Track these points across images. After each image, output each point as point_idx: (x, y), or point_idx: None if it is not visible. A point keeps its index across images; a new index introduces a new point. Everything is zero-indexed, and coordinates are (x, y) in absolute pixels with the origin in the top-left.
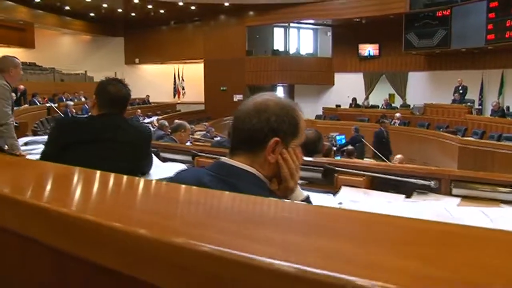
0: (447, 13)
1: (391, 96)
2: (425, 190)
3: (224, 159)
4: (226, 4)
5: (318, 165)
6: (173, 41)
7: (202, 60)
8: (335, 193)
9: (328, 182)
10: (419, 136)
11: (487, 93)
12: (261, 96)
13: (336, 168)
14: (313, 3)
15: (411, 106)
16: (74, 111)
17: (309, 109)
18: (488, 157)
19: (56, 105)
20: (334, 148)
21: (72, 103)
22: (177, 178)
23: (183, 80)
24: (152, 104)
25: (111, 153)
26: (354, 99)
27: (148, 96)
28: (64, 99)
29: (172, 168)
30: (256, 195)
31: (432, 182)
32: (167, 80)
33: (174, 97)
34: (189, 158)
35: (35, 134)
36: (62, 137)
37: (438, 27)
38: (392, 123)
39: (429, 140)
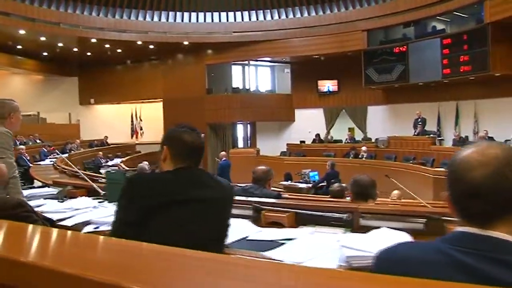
0: (404, 49)
1: (351, 129)
2: None
3: (473, 230)
4: (186, 42)
5: (420, 214)
6: (130, 80)
7: (161, 99)
8: None
9: (430, 232)
10: (389, 169)
11: (444, 124)
12: (492, 148)
13: (443, 218)
14: (271, 41)
15: (373, 139)
16: (27, 156)
17: (271, 146)
18: None
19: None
20: (309, 186)
21: (24, 147)
22: (410, 257)
23: (141, 120)
24: (111, 145)
25: (201, 215)
26: (318, 135)
27: (107, 137)
28: (18, 143)
29: (234, 227)
30: None
31: None
32: (124, 121)
33: (132, 137)
34: (249, 212)
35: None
36: (143, 199)
37: (396, 62)
38: (360, 156)
39: (401, 172)
